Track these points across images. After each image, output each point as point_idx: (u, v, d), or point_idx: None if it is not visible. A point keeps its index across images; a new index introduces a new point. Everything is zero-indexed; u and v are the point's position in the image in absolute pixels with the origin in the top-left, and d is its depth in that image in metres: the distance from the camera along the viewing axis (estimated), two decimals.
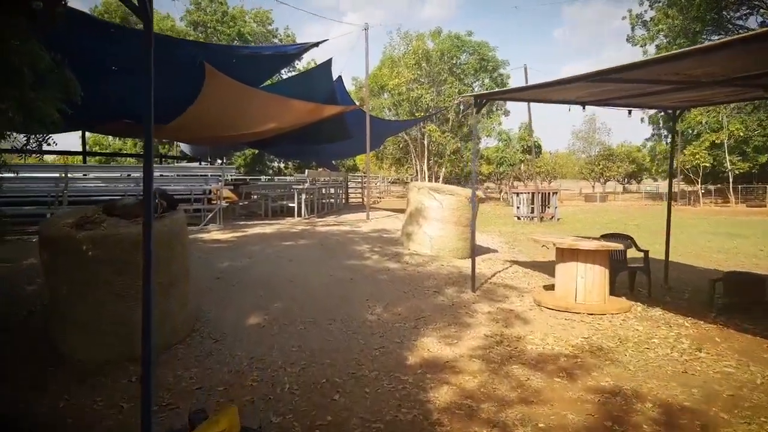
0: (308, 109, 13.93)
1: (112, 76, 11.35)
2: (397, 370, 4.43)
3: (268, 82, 17.14)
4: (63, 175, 9.49)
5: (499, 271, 8.41)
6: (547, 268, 8.80)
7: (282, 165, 55.33)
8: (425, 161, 31.96)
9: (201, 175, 11.25)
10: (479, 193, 9.92)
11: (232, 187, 15.08)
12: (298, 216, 13.76)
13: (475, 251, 7.25)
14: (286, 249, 8.73)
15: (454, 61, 32.18)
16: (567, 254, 6.39)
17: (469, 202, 9.46)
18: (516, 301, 6.69)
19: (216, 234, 10.29)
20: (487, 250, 10.46)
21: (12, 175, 9.26)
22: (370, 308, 6.06)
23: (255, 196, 14.62)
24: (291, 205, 13.98)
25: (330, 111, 14.82)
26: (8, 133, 5.12)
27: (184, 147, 25.12)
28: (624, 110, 7.45)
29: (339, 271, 7.53)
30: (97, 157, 44.79)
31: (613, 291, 6.66)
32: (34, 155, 13.61)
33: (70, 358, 4.59)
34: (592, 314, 6.05)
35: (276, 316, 5.66)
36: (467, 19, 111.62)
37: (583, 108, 7.08)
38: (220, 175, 11.20)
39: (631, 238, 7.47)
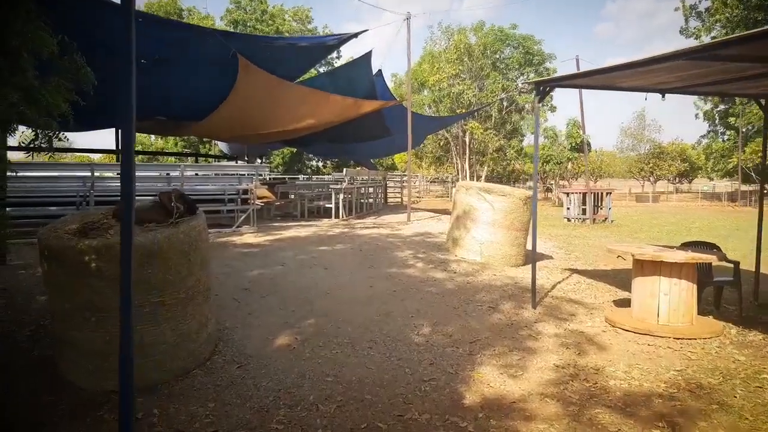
0: (346, 104, 13.22)
1: (143, 72, 10.87)
2: (454, 412, 3.62)
3: (306, 76, 16.55)
4: (90, 174, 9.00)
5: (559, 282, 7.49)
6: (613, 279, 7.85)
7: (320, 164, 55.13)
8: (466, 160, 30.94)
9: (234, 174, 10.65)
10: (526, 192, 9.01)
11: (267, 187, 14.50)
12: (335, 217, 13.07)
13: (535, 260, 6.37)
14: (321, 255, 8.01)
15: (498, 56, 31.06)
16: (647, 267, 5.45)
17: (523, 204, 8.58)
18: (585, 319, 5.79)
19: (248, 237, 9.67)
20: (541, 257, 9.53)
21: (34, 174, 8.88)
22: (416, 328, 5.26)
23: (292, 196, 14.01)
24: (328, 205, 13.30)
25: (369, 106, 14.08)
26: (13, 126, 4.51)
27: (222, 146, 24.82)
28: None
29: (379, 281, 6.76)
30: (140, 156, 45.38)
31: (699, 309, 5.69)
32: (45, 153, 13.31)
33: (72, 385, 3.97)
34: (679, 338, 5.11)
35: (308, 336, 4.92)
36: (507, 15, 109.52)
37: (663, 96, 6.12)
38: (254, 174, 10.56)
39: (718, 247, 6.45)
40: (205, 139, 36.44)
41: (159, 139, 48.49)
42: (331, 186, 13.26)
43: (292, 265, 7.22)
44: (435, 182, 41.04)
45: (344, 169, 13.01)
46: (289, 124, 13.61)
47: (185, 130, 12.92)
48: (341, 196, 12.91)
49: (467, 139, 30.62)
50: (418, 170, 41.63)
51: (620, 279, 7.88)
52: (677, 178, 50.27)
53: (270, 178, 37.63)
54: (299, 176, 40.35)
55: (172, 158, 39.01)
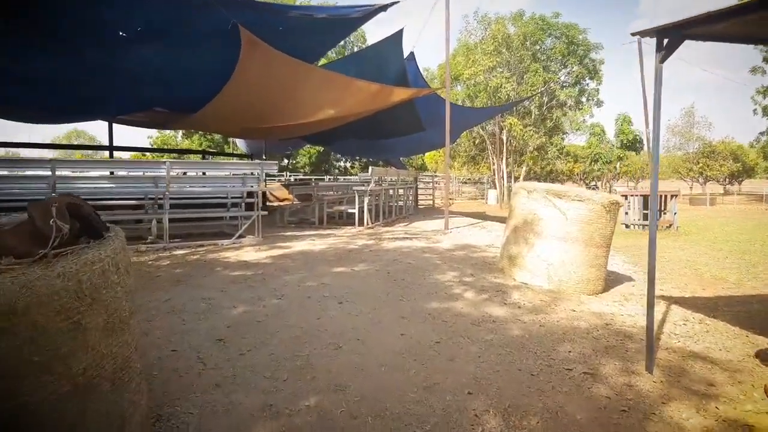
0: (373, 91, 11.21)
1: (131, 52, 9.07)
2: None
3: (323, 61, 14.64)
4: (51, 173, 7.17)
5: (664, 322, 5.36)
6: (729, 313, 5.70)
7: (348, 165, 53.26)
8: (503, 159, 28.69)
9: (231, 174, 8.74)
10: (609, 196, 6.89)
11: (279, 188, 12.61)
12: (359, 224, 11.09)
13: (652, 296, 4.25)
14: (336, 280, 6.00)
15: (538, 46, 28.74)
16: None
17: (606, 212, 6.46)
18: (734, 394, 3.67)
19: (248, 251, 7.75)
20: (619, 278, 7.40)
21: None
22: (477, 418, 3.23)
23: (317, 195, 12.10)
24: (351, 210, 11.32)
25: (400, 95, 12.05)
26: None
27: (241, 144, 23.13)
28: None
29: (415, 323, 4.72)
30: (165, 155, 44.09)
31: None
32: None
33: None
34: None
35: (307, 429, 2.94)
36: (548, 3, 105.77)
37: None
38: (260, 173, 8.64)
39: None
40: (230, 138, 34.89)
41: (186, 139, 47.33)
42: (355, 188, 11.27)
43: (295, 298, 5.23)
44: (467, 183, 38.79)
45: (370, 168, 11.00)
46: (307, 115, 11.69)
47: (185, 122, 11.11)
48: (366, 200, 10.93)
49: (505, 137, 28.36)
50: (450, 170, 39.54)
51: (738, 313, 5.75)
52: (728, 179, 46.99)
53: (295, 179, 35.88)
54: (325, 177, 38.61)
55: (196, 156, 37.54)
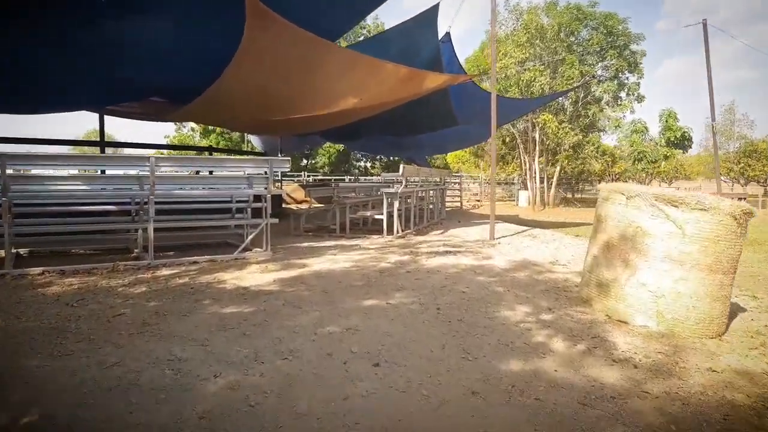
0: (402, 76, 9.47)
1: (116, 30, 7.49)
2: None
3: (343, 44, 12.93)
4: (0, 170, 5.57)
5: None
6: None
7: (368, 164, 51.57)
8: (536, 158, 26.76)
9: (237, 174, 7.05)
10: (739, 204, 5.12)
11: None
12: (387, 233, 9.38)
13: None
14: (368, 321, 4.26)
15: (574, 38, 26.76)
16: None
17: (738, 226, 4.67)
18: None
19: (251, 272, 6.08)
20: (731, 311, 5.60)
21: None
22: None
23: (338, 198, 10.42)
24: (378, 216, 9.60)
25: (434, 81, 10.31)
26: None
27: (256, 141, 21.60)
28: None
29: (496, 405, 2.97)
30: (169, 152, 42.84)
31: None
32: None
33: None
34: None
35: None
36: None
37: None
38: (268, 172, 6.98)
39: None
40: (246, 136, 33.44)
41: (204, 138, 46.03)
42: (383, 190, 9.55)
43: (309, 356, 3.51)
44: (498, 183, 36.92)
45: (401, 167, 9.31)
46: (325, 105, 10.03)
47: (183, 113, 9.50)
48: (396, 204, 9.20)
49: (537, 135, 26.42)
50: (474, 170, 37.49)
51: None
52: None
53: (313, 179, 34.26)
54: (345, 177, 36.93)
55: (217, 154, 36.27)
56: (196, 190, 6.91)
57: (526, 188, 28.79)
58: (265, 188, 7.08)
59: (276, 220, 7.35)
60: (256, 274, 5.92)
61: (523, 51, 25.28)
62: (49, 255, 7.36)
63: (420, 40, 10.96)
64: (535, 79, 24.78)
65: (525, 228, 11.19)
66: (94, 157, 6.25)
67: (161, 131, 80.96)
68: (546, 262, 7.12)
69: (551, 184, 27.77)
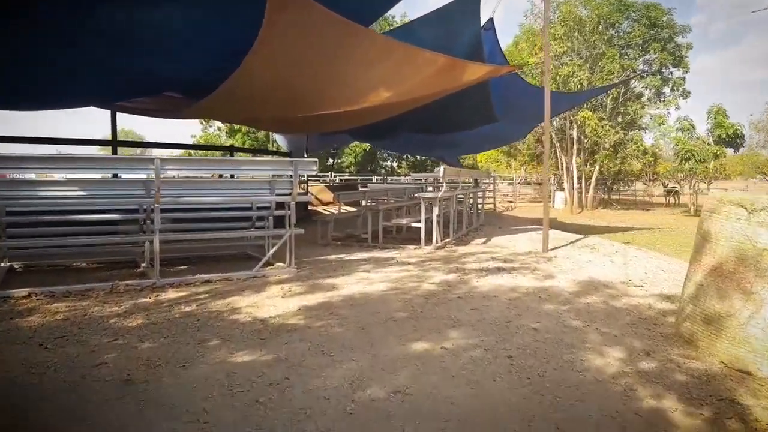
0: (440, 67, 8.38)
1: (123, 17, 6.61)
2: None
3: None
4: None
5: None
6: None
7: (395, 164, 50.51)
8: (573, 157, 25.40)
9: (258, 177, 6.06)
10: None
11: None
12: (426, 242, 8.34)
13: None
14: (420, 379, 3.18)
15: (614, 31, 25.33)
16: None
17: None
18: None
19: (270, 296, 5.10)
20: None
21: None
22: None
23: (369, 202, 9.41)
24: (415, 224, 8.57)
25: (474, 73, 9.17)
26: None
27: (280, 140, 20.76)
28: None
29: None
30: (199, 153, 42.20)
31: None
32: None
33: None
34: None
35: None
36: None
37: None
38: (292, 175, 6.01)
39: None
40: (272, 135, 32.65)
41: (231, 137, 45.48)
42: (420, 195, 8.51)
43: None
44: (526, 184, 35.57)
45: (441, 168, 8.27)
46: (354, 100, 9.02)
47: (198, 109, 8.60)
48: (436, 211, 8.16)
49: (575, 133, 25.07)
50: (505, 171, 36.16)
51: None
52: None
53: (340, 180, 33.37)
54: (372, 177, 35.93)
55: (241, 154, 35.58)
56: (210, 196, 5.98)
57: (561, 189, 27.46)
58: (289, 194, 6.11)
59: (301, 231, 6.37)
60: (277, 299, 4.94)
61: (561, 44, 23.97)
62: (46, 270, 6.51)
63: (459, 27, 9.87)
64: (573, 73, 23.44)
65: (578, 236, 10.03)
66: (92, 159, 5.36)
67: (189, 131, 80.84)
68: (618, 282, 6.00)
69: (589, 184, 26.37)
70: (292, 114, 9.51)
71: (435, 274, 6.18)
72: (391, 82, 8.64)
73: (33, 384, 3.03)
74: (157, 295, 5.12)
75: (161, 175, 5.44)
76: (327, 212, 16.69)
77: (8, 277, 6.00)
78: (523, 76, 24.17)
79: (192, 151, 37.64)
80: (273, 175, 6.13)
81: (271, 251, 6.19)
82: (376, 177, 35.36)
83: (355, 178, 37.90)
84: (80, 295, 5.11)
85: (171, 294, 5.19)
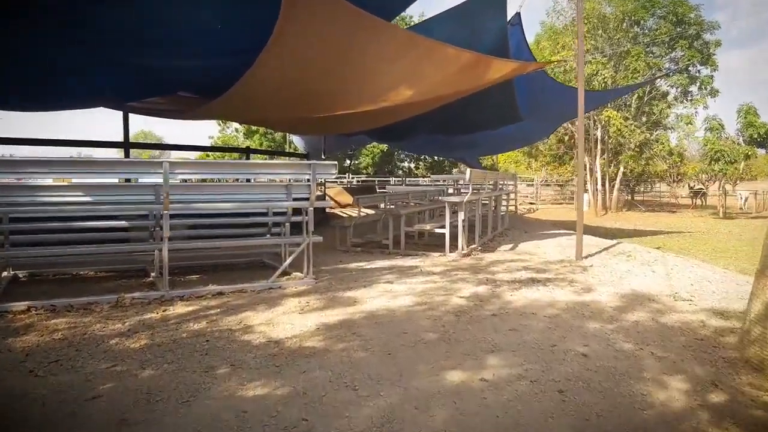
0: (464, 63, 7.91)
1: (141, 13, 6.26)
2: None
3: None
4: None
5: None
6: None
7: (412, 165, 49.95)
8: (597, 158, 24.74)
9: (273, 180, 5.63)
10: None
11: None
12: (451, 249, 7.89)
13: None
14: (457, 420, 2.71)
15: (639, 28, 24.64)
16: None
17: None
18: None
19: (287, 312, 4.68)
20: None
21: None
22: None
23: (389, 206, 8.96)
24: (439, 230, 8.12)
25: (500, 70, 8.67)
26: None
27: (297, 141, 20.43)
28: None
29: None
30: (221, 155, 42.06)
31: None
32: None
33: None
34: None
35: None
36: None
37: None
38: (310, 179, 5.60)
39: None
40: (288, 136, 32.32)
41: (248, 138, 45.30)
42: (445, 199, 8.05)
43: None
44: (545, 185, 34.90)
45: (467, 171, 7.82)
46: (373, 99, 8.60)
47: (211, 109, 8.24)
48: (462, 216, 7.70)
49: (599, 133, 24.42)
50: (526, 172, 35.51)
51: None
52: None
53: (357, 182, 32.94)
54: (390, 179, 35.45)
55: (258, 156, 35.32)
56: (224, 201, 5.59)
57: (585, 190, 26.79)
58: (307, 199, 5.69)
59: (319, 239, 5.96)
60: (294, 316, 4.52)
61: (584, 42, 23.33)
62: (51, 279, 6.18)
63: (484, 22, 9.40)
64: (597, 72, 22.81)
65: (610, 242, 9.50)
66: (96, 163, 5.00)
67: (207, 132, 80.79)
68: (663, 295, 5.50)
69: (612, 186, 25.67)
70: (309, 114, 9.11)
71: (464, 286, 5.73)
72: (412, 80, 8.21)
73: (14, 422, 2.65)
74: (164, 310, 4.73)
75: (171, 180, 5.07)
76: (345, 215, 16.31)
77: (10, 288, 5.67)
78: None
79: (209, 153, 37.52)
80: (290, 179, 5.71)
81: (288, 261, 5.79)
82: (393, 178, 34.94)
83: (373, 179, 37.50)
84: (83, 309, 4.75)
85: (180, 308, 4.80)
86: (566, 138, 26.36)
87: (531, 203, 28.55)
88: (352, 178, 36.51)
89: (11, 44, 6.43)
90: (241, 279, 6.02)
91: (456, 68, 8.06)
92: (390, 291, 5.47)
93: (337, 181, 31.40)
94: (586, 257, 7.69)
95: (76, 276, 6.35)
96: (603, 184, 25.49)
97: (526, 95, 11.35)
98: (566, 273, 6.57)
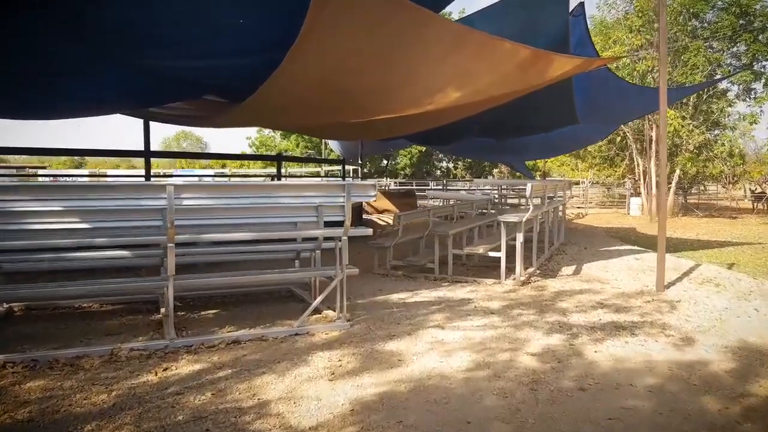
0: (521, 60, 6.79)
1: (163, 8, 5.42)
2: None
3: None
4: None
5: None
6: None
7: (451, 165, 48.59)
8: (652, 159, 23.09)
9: (295, 201, 4.63)
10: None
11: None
12: (506, 276, 6.83)
13: None
14: None
15: (697, 21, 22.88)
16: None
17: None
18: None
19: (314, 374, 3.70)
20: None
21: None
22: None
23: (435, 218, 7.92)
24: (494, 254, 7.05)
25: (561, 67, 7.49)
26: None
27: (334, 145, 19.61)
28: None
29: None
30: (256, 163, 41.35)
31: None
32: None
33: None
34: None
35: None
36: None
37: None
38: (342, 198, 4.63)
39: None
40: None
41: (285, 139, 44.76)
42: (501, 219, 6.97)
43: None
44: (597, 183, 33.22)
45: (528, 185, 6.77)
46: (417, 102, 7.60)
47: (234, 114, 7.37)
48: (520, 238, 6.63)
49: (653, 133, 22.77)
50: (572, 174, 33.86)
51: None
52: None
53: (395, 185, 31.90)
54: (429, 182, 34.25)
55: (294, 165, 34.81)
56: (241, 227, 4.68)
57: (637, 194, 25.15)
58: (341, 223, 4.73)
59: (355, 271, 4.99)
60: (322, 384, 3.56)
61: (638, 38, 21.78)
62: (48, 315, 5.39)
63: (542, 13, 8.29)
64: (652, 68, 21.21)
65: (689, 264, 8.25)
66: (87, 188, 4.16)
67: (245, 132, 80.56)
68: None
69: (668, 189, 24.00)
70: (344, 120, 8.19)
71: (532, 334, 4.66)
72: (462, 80, 7.16)
73: None
74: (165, 369, 3.84)
75: (179, 205, 4.19)
76: (383, 222, 15.36)
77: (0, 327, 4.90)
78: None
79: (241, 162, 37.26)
80: (321, 201, 4.76)
81: (318, 300, 4.84)
82: (432, 182, 33.76)
83: (411, 182, 36.49)
84: (69, 365, 3.90)
85: (183, 367, 3.90)
86: (618, 138, 24.72)
87: (579, 207, 27.07)
88: (390, 180, 35.49)
89: (9, 44, 5.68)
90: (263, 317, 5.13)
91: (512, 66, 6.97)
92: (441, 342, 4.45)
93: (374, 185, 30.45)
94: (667, 286, 6.51)
95: (77, 310, 5.55)
96: (658, 188, 23.82)
97: (585, 95, 10.18)
98: (652, 312, 5.43)
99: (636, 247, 10.62)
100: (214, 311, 5.48)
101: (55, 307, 5.53)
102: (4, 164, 28.23)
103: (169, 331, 4.36)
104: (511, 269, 7.05)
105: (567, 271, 7.80)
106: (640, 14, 22.15)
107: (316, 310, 5.11)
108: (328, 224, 5.06)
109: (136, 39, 5.90)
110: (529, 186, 6.97)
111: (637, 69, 21.67)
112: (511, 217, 6.80)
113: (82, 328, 4.91)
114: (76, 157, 56.84)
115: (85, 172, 38.01)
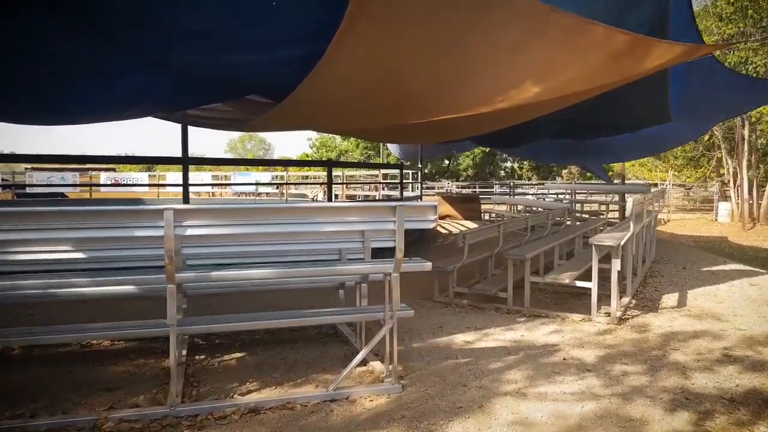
0: (615, 48, 5.44)
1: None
2: None
3: None
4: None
5: None
6: None
7: (515, 165, 46.54)
8: (744, 160, 20.82)
9: (338, 228, 3.61)
10: None
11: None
12: (597, 309, 5.57)
13: None
14: None
15: None
16: None
17: None
18: None
19: None
20: None
21: None
22: None
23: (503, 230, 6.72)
24: (583, 284, 5.79)
25: (661, 56, 6.07)
26: None
27: (393, 148, 18.65)
28: None
29: None
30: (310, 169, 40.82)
31: None
32: None
33: None
34: None
35: None
36: None
37: None
38: (394, 224, 3.54)
39: None
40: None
41: (345, 140, 44.12)
42: (595, 241, 5.68)
43: None
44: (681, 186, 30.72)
45: (628, 201, 5.46)
46: (486, 100, 6.43)
47: (276, 117, 6.45)
48: (617, 265, 5.35)
49: (746, 131, 20.51)
50: (648, 175, 31.44)
51: None
52: None
53: (457, 190, 30.62)
54: (494, 185, 32.60)
55: (354, 170, 33.97)
56: (265, 262, 3.71)
57: (725, 198, 22.82)
58: (392, 260, 3.65)
59: (411, 313, 3.91)
60: None
61: (731, 26, 19.64)
62: (48, 354, 4.60)
63: None
64: (748, 59, 19.05)
65: None
66: (77, 214, 3.27)
67: (306, 133, 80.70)
68: None
69: (762, 193, 21.58)
70: (402, 121, 7.12)
71: (647, 410, 3.41)
72: (543, 73, 5.92)
73: None
74: None
75: (183, 234, 3.24)
76: (444, 230, 14.20)
77: None
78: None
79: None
80: (367, 226, 3.71)
81: (363, 353, 3.77)
82: (497, 185, 32.13)
83: (473, 184, 35.02)
84: None
85: None
86: (705, 137, 22.48)
87: (660, 213, 24.91)
88: (451, 183, 34.12)
89: (20, 42, 4.93)
90: (296, 367, 4.13)
91: (604, 55, 5.67)
92: (524, 421, 3.29)
93: (434, 189, 29.29)
94: None
95: (84, 348, 4.74)
96: (750, 191, 21.47)
97: (681, 87, 8.67)
98: None
99: (743, 267, 9.01)
100: (238, 355, 4.52)
101: (58, 345, 4.73)
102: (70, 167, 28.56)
103: (173, 392, 3.42)
104: (601, 298, 5.77)
105: (669, 302, 6.40)
106: (730, 3, 20.01)
107: (360, 366, 4.06)
108: (377, 251, 4.01)
109: (163, 32, 5.04)
110: (629, 202, 5.68)
111: (728, 60, 19.53)
112: (607, 240, 5.51)
113: (81, 377, 4.06)
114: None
115: (145, 175, 38.68)
